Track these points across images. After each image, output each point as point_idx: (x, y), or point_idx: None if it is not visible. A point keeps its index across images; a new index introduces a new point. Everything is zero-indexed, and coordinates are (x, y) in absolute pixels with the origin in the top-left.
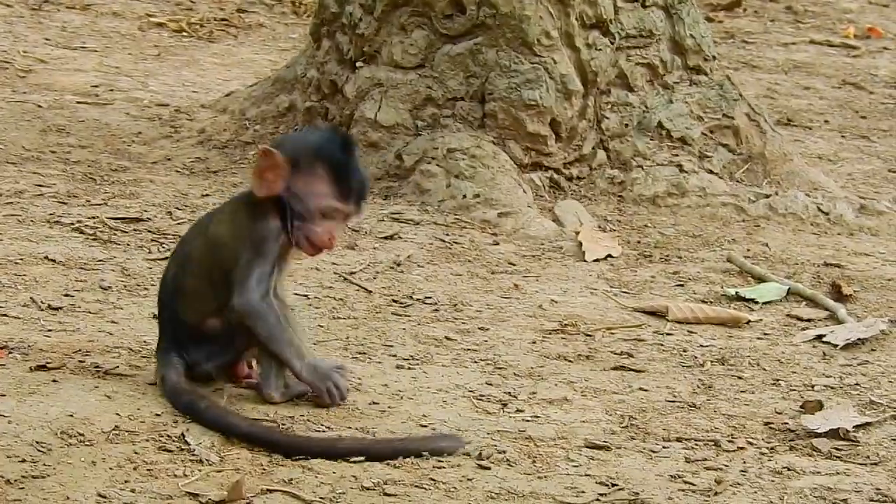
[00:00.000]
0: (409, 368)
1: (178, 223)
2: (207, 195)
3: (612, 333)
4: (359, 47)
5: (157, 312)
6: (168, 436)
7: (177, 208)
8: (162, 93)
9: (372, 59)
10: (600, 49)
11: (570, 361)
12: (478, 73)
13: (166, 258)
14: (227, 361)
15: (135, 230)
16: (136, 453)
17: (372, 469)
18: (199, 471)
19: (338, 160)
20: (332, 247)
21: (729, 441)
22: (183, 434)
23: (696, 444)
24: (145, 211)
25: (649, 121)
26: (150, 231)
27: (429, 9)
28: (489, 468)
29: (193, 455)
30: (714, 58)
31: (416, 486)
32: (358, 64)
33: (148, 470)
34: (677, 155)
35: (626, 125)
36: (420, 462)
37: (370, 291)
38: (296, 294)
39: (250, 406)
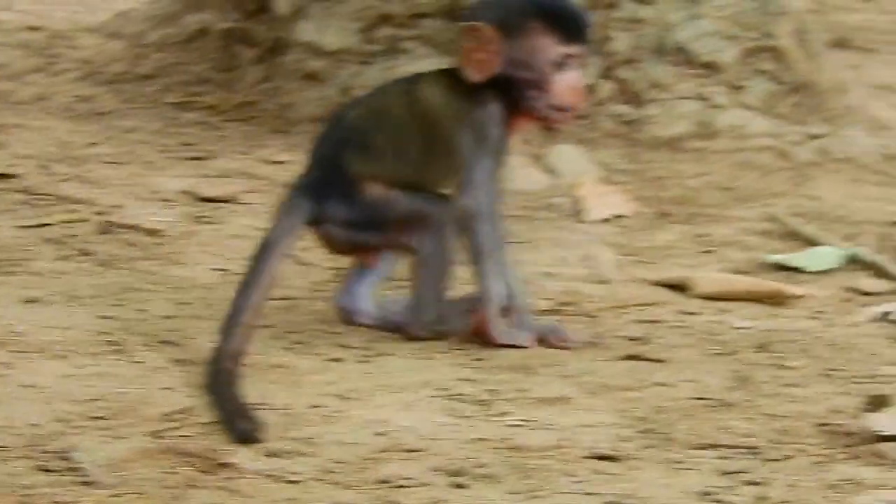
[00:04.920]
0: (361, 362)
1: (60, 180)
2: (95, 143)
3: (623, 314)
4: None
5: (310, 150)
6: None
7: (55, 161)
8: (33, 13)
9: None
10: None
11: (568, 350)
12: None
13: (42, 226)
14: (364, 240)
15: (0, 189)
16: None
17: (319, 489)
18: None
19: (547, 3)
20: (583, 97)
21: (773, 448)
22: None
23: (732, 453)
24: (12, 165)
25: (668, 42)
26: (18, 191)
27: None
28: (467, 486)
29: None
30: None
31: None
32: None
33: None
34: (704, 85)
35: (639, 48)
36: (379, 482)
37: None
38: None
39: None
